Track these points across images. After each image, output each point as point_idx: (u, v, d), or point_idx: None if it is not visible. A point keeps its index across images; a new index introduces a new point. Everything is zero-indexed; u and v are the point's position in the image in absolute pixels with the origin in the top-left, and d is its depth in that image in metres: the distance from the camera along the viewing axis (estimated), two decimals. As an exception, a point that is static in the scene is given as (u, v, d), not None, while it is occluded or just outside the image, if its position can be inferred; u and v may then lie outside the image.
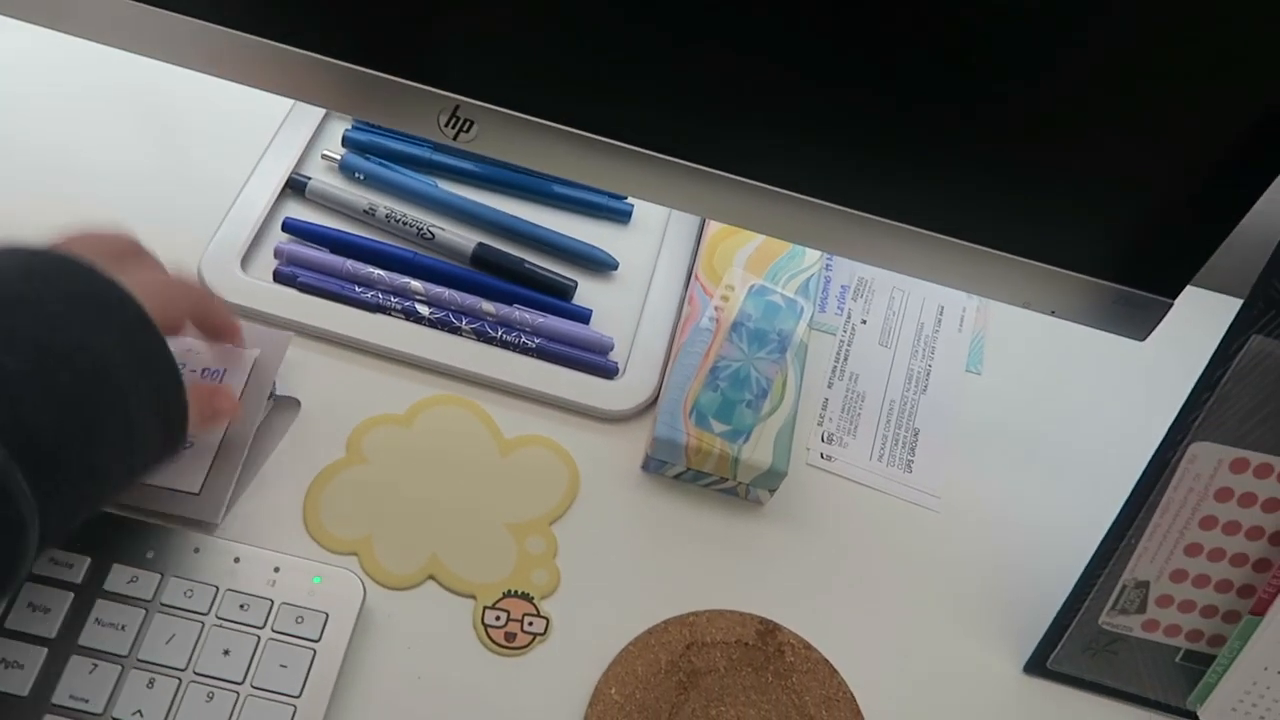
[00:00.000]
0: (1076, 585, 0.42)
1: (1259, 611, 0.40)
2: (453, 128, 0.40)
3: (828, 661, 0.42)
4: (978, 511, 0.48)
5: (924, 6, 0.34)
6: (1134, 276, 0.40)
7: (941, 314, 0.54)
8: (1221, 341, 0.36)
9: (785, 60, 0.36)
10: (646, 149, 0.39)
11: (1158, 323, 0.41)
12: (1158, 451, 0.39)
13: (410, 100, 0.39)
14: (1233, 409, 0.37)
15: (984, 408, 0.51)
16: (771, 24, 0.36)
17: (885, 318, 0.53)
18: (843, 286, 0.54)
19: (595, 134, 0.39)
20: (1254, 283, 0.35)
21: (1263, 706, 0.41)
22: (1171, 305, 0.40)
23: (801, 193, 0.40)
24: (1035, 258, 0.41)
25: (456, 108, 0.39)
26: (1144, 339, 0.42)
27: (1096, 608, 0.42)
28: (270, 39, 0.39)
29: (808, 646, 0.42)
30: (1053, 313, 0.42)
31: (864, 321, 0.53)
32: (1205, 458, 0.38)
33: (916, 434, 0.50)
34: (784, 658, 0.42)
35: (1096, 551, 0.41)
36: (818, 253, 0.50)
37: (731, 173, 0.40)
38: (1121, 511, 0.40)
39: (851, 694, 0.42)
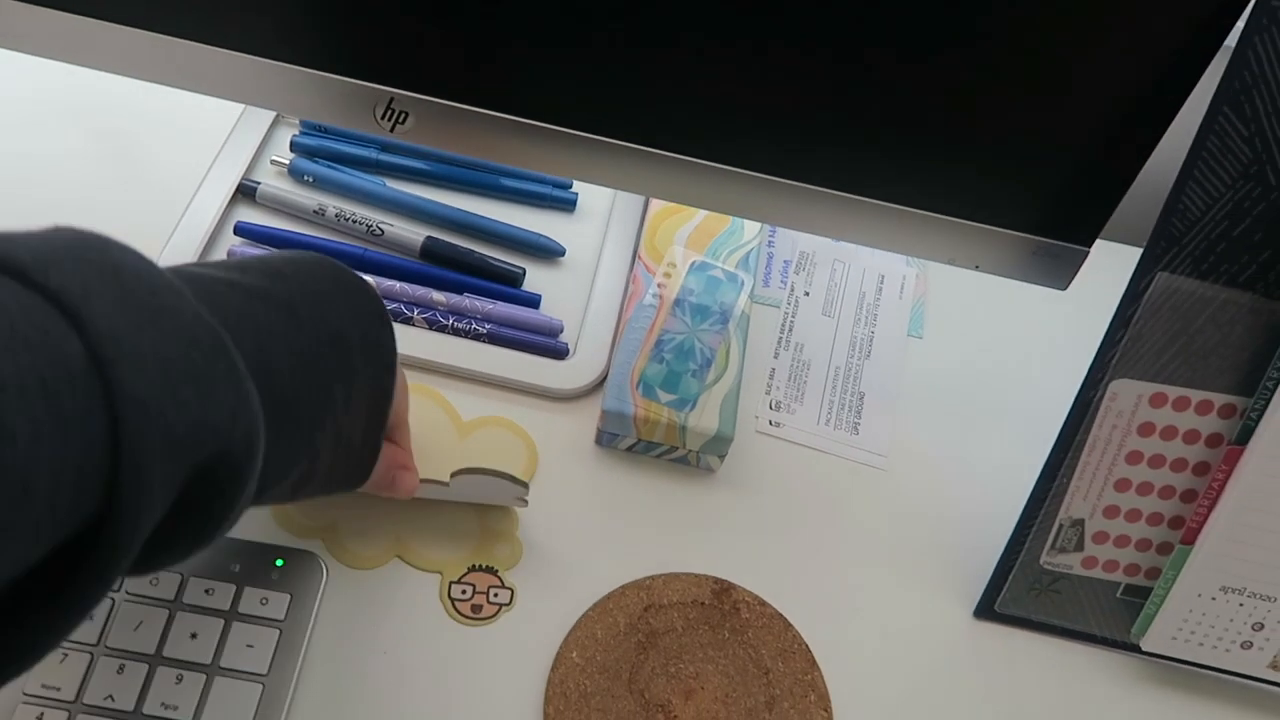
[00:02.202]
0: (1016, 527, 0.43)
1: (1189, 541, 0.42)
2: (389, 120, 0.41)
3: (782, 616, 0.44)
4: (923, 467, 0.50)
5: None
6: (1050, 228, 0.42)
7: (882, 283, 0.56)
8: (1130, 280, 0.38)
9: (710, 39, 0.38)
10: (577, 130, 0.41)
11: (1076, 271, 0.43)
12: (1081, 391, 0.40)
13: (347, 96, 0.41)
14: (1147, 345, 0.39)
15: (926, 369, 0.53)
16: (695, 4, 0.37)
17: (828, 289, 0.55)
18: (785, 261, 0.55)
19: (526, 118, 0.41)
20: (1155, 224, 0.37)
21: (1200, 633, 0.43)
22: (1088, 253, 0.42)
23: (733, 165, 0.42)
24: (957, 215, 0.42)
25: (391, 100, 0.41)
26: (1065, 288, 0.44)
27: (1037, 548, 0.44)
28: (210, 44, 0.41)
29: (762, 603, 0.44)
30: (976, 267, 0.43)
31: (807, 294, 0.54)
32: (1125, 394, 0.40)
33: (862, 397, 0.51)
34: (739, 615, 0.43)
35: (1032, 493, 0.43)
36: (756, 228, 0.52)
37: (663, 149, 0.41)
38: (1052, 452, 0.42)
39: (806, 645, 0.43)
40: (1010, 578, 0.44)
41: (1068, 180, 0.41)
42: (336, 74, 0.40)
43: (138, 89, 0.43)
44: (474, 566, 0.43)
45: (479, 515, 0.44)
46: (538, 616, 0.42)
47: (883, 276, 0.56)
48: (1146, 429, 0.41)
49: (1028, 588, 0.45)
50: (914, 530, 0.48)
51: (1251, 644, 0.43)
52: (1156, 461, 0.41)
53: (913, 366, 0.53)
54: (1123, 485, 0.42)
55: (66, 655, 0.37)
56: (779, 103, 0.40)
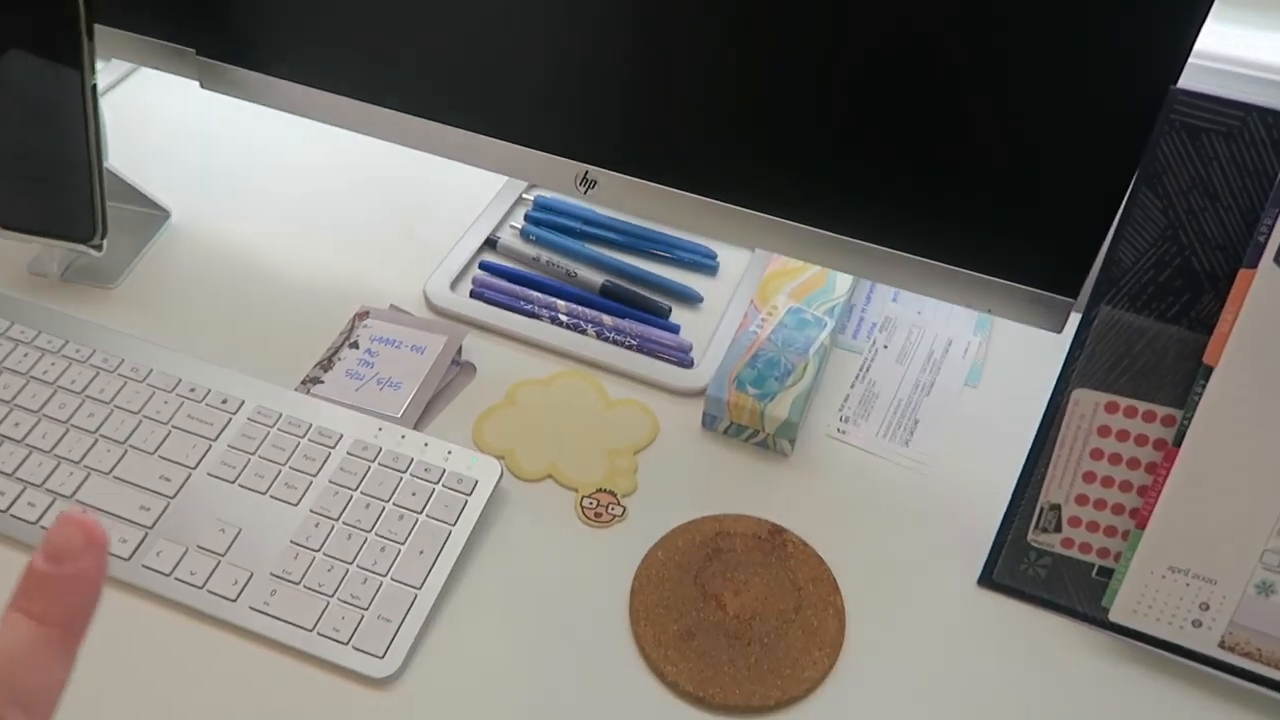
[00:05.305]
0: (1008, 507, 0.56)
1: (1141, 526, 0.53)
2: (583, 186, 0.63)
3: (820, 556, 0.58)
4: (959, 475, 0.63)
5: (920, 101, 0.54)
6: (1045, 283, 0.56)
7: (950, 345, 0.70)
8: (1084, 311, 0.52)
9: (831, 141, 0.57)
10: (719, 200, 0.61)
11: (1066, 318, 0.57)
12: (1051, 397, 0.54)
13: (556, 168, 0.63)
14: (1099, 362, 0.52)
15: (975, 408, 0.66)
16: (822, 113, 0.57)
17: (904, 345, 0.70)
18: (873, 323, 0.71)
19: (682, 190, 0.61)
20: (1099, 272, 0.51)
21: (1157, 608, 0.53)
22: (1074, 303, 0.56)
23: (830, 230, 0.59)
24: (978, 270, 0.58)
25: (586, 172, 0.62)
26: (1060, 331, 0.57)
27: (1023, 527, 0.56)
28: (466, 129, 0.64)
29: (806, 544, 0.58)
30: (989, 311, 0.58)
31: (885, 347, 0.70)
32: (1085, 401, 0.53)
33: (916, 423, 0.65)
34: (786, 549, 0.58)
35: (1019, 478, 0.55)
36: (845, 287, 0.69)
37: (786, 218, 0.60)
38: (1032, 445, 0.55)
39: (834, 577, 0.57)
40: (1004, 551, 0.56)
41: (1055, 246, 0.55)
42: (551, 153, 0.63)
43: (434, 167, 0.67)
44: (601, 489, 0.61)
45: (609, 458, 0.62)
46: (639, 527, 0.59)
47: (950, 341, 0.70)
48: (1104, 431, 0.53)
49: (1018, 561, 0.56)
50: (941, 516, 0.61)
51: (1201, 623, 0.52)
52: (1114, 459, 0.53)
53: (964, 406, 0.67)
54: (1089, 477, 0.54)
55: (321, 522, 0.57)
56: (869, 188, 0.57)
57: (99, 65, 0.65)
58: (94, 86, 0.64)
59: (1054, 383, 0.66)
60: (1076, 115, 0.51)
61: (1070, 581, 0.56)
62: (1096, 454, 0.53)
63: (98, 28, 0.65)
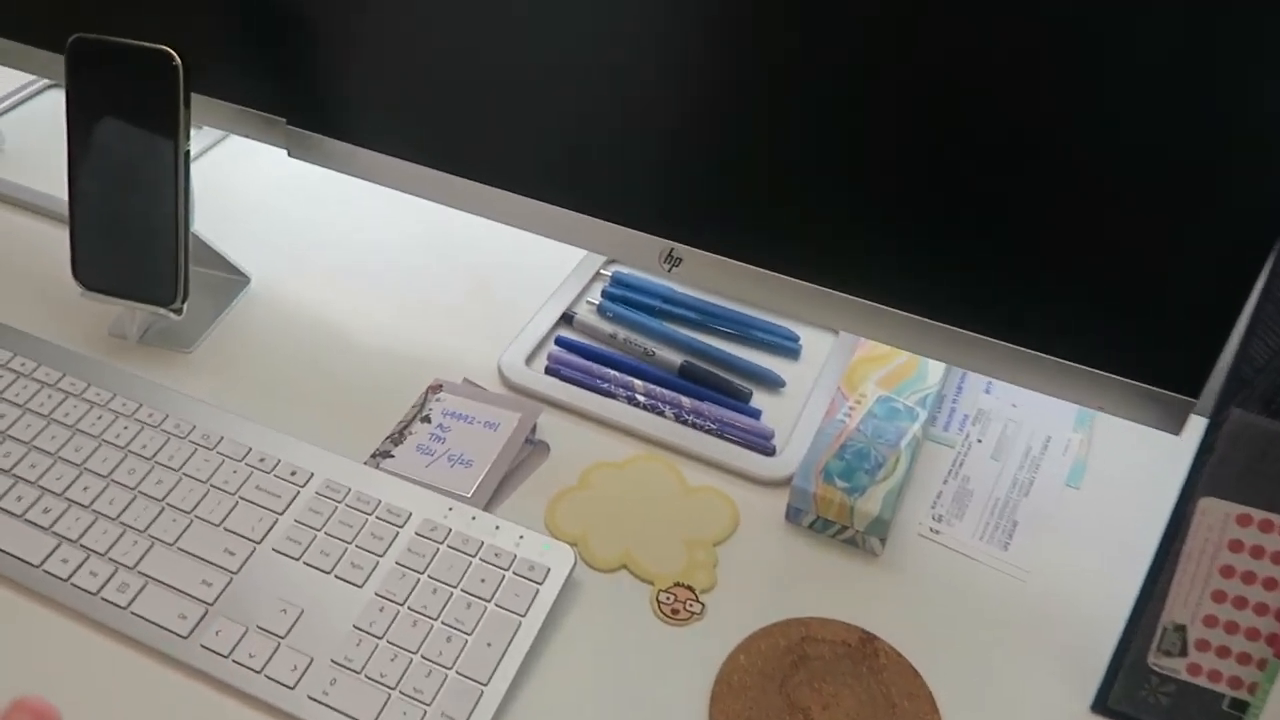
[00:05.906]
0: (1126, 625, 0.51)
1: (1281, 654, 0.48)
2: (668, 263, 0.61)
3: (914, 668, 0.54)
4: (1064, 585, 0.58)
5: (1032, 204, 0.52)
6: (1164, 380, 0.52)
7: (1049, 442, 0.66)
8: (1212, 413, 0.48)
9: (927, 221, 0.55)
10: (807, 280, 0.58)
11: (1186, 418, 0.52)
12: (1176, 506, 0.49)
13: (642, 244, 0.61)
14: (1229, 469, 0.48)
15: (1079, 511, 0.62)
16: (925, 199, 0.54)
17: (999, 440, 0.66)
18: (965, 415, 0.68)
19: (768, 269, 0.59)
20: (1229, 369, 0.47)
21: (1299, 749, 0.47)
22: (1195, 403, 0.52)
23: (922, 315, 0.57)
24: (1089, 365, 0.54)
25: (672, 249, 0.61)
26: (1179, 433, 0.53)
27: (1144, 648, 0.51)
28: (552, 204, 0.63)
29: (899, 655, 0.54)
30: (1101, 408, 0.54)
31: (979, 441, 0.66)
32: (1213, 511, 0.48)
33: (1015, 525, 0.61)
34: (878, 659, 0.54)
35: (1139, 594, 0.51)
36: (937, 376, 0.65)
37: (869, 299, 0.57)
38: (1154, 558, 0.50)
39: (931, 694, 0.52)
40: (1121, 673, 0.51)
41: (1177, 341, 0.52)
42: (638, 229, 0.61)
43: (511, 238, 0.65)
44: (678, 583, 0.57)
45: (689, 550, 0.59)
46: (719, 627, 0.55)
47: (1049, 437, 0.66)
48: (1236, 546, 0.48)
49: (1138, 686, 0.51)
50: (1047, 630, 0.56)
51: (1352, 768, 0.47)
52: (1249, 578, 0.48)
53: (1067, 509, 0.62)
54: (1219, 597, 0.49)
55: (384, 605, 0.55)
56: (971, 279, 0.55)
57: (192, 132, 0.65)
58: (187, 153, 0.65)
59: (1178, 488, 0.61)
60: (1204, 202, 0.48)
61: (1198, 712, 0.50)
62: (1227, 571, 0.49)
63: (193, 96, 0.65)
